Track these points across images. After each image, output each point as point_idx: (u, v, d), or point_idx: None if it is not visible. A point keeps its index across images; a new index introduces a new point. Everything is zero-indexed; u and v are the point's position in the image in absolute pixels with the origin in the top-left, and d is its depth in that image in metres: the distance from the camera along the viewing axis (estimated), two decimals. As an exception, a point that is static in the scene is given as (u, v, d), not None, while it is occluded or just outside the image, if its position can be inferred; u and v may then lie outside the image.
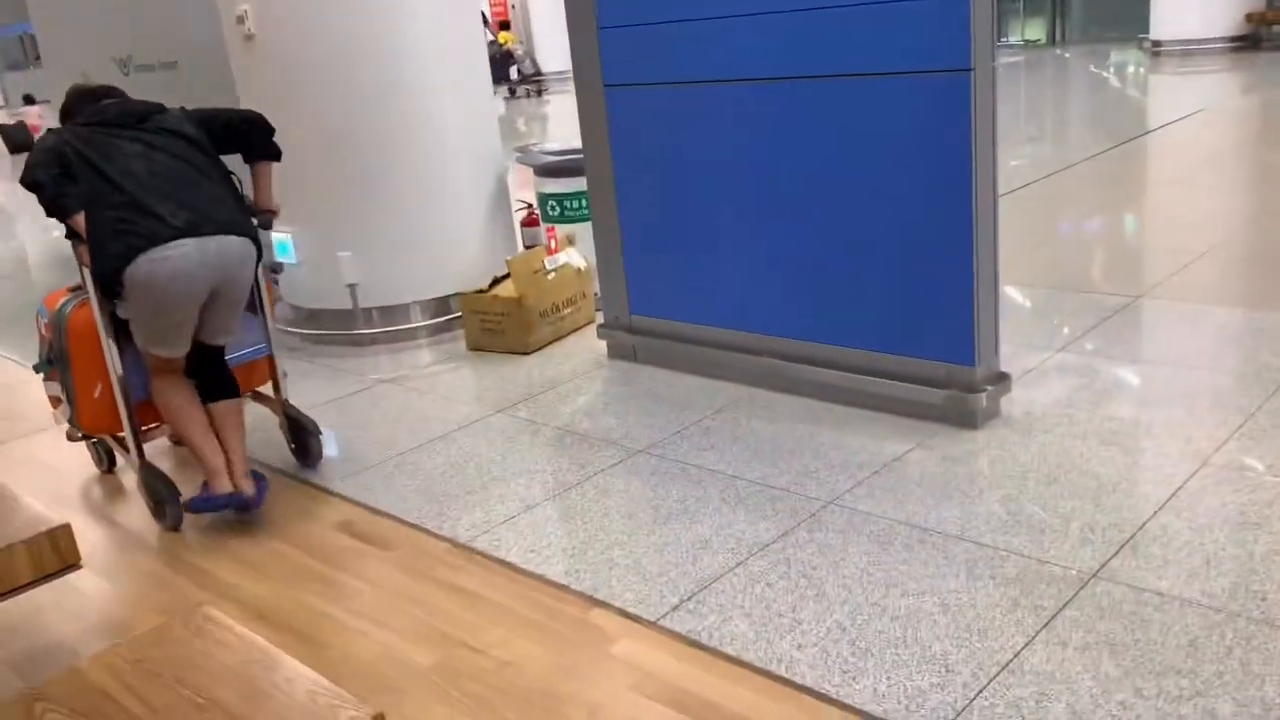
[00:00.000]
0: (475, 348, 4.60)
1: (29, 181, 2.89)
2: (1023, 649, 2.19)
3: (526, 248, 5.29)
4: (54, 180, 2.91)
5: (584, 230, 4.69)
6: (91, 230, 2.93)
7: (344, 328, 4.83)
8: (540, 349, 4.50)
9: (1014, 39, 19.72)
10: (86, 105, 3.15)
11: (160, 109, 3.20)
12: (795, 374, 3.63)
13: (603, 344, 4.34)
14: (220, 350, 3.30)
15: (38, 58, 33.92)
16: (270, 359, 3.58)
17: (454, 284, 4.79)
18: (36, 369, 3.54)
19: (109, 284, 2.97)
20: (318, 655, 2.47)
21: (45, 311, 3.40)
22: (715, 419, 3.58)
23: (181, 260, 2.93)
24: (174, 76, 6.22)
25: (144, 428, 3.35)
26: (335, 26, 4.45)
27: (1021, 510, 2.75)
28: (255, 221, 3.25)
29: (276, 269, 4.59)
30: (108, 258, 2.91)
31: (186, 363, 3.22)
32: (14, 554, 2.16)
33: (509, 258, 4.60)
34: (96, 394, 3.30)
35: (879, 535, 2.71)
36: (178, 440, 3.72)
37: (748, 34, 3.41)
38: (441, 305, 4.88)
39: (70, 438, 3.69)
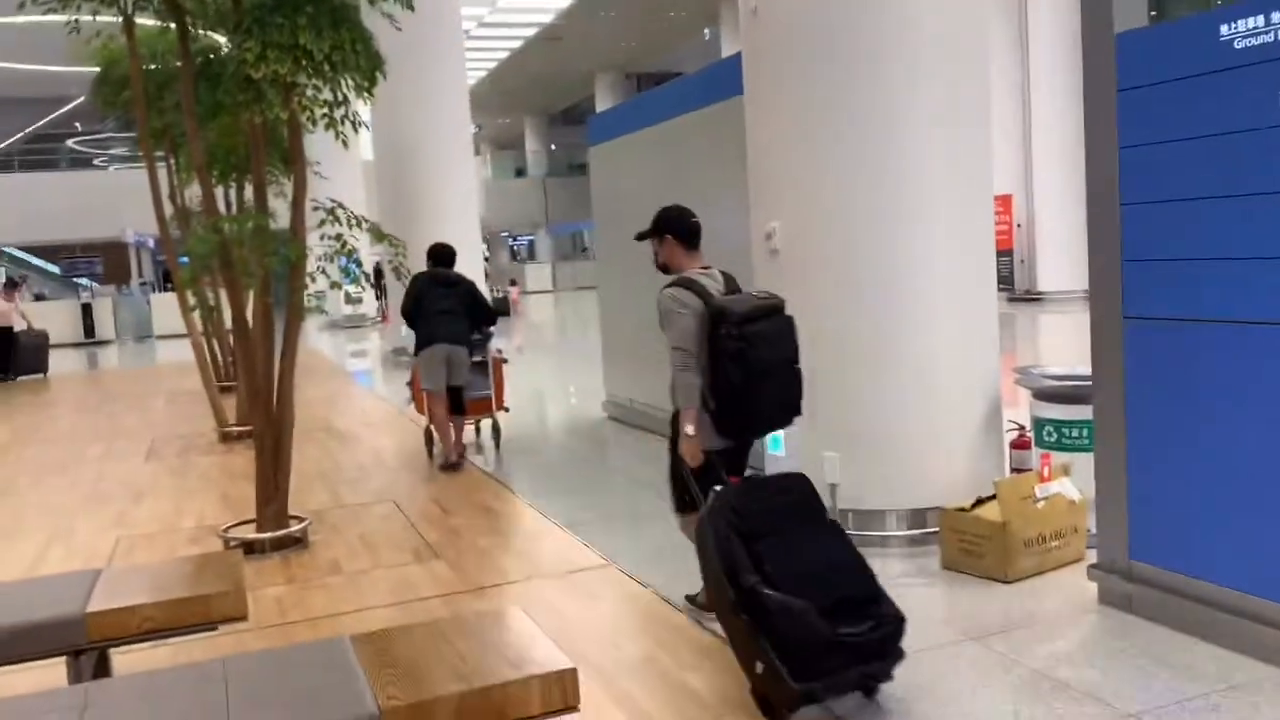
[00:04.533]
0: (950, 566, 4.48)
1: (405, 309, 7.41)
2: None
3: (1014, 471, 5.12)
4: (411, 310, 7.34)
5: (1082, 461, 4.45)
6: (417, 332, 7.29)
7: (820, 525, 4.94)
8: (1021, 579, 4.26)
9: None
10: (435, 268, 7.46)
11: (460, 279, 7.40)
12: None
13: (1093, 586, 4.01)
14: (459, 389, 7.34)
15: (584, 250, 39.63)
16: (489, 398, 7.84)
17: (934, 498, 4.74)
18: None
19: (417, 354, 7.37)
20: None
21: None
22: (1228, 696, 3.14)
23: (436, 350, 7.21)
24: (700, 278, 6.97)
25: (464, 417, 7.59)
26: (854, 239, 4.75)
27: None
28: (478, 335, 7.60)
29: (501, 355, 8.17)
30: (419, 345, 7.30)
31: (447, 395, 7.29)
32: (529, 686, 2.44)
33: (997, 479, 4.47)
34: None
35: None
36: (434, 426, 7.52)
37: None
38: (918, 517, 4.83)
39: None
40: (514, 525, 5.66)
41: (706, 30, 29.61)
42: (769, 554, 3.18)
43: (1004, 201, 19.75)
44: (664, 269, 3.96)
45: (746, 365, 3.46)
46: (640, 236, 4.05)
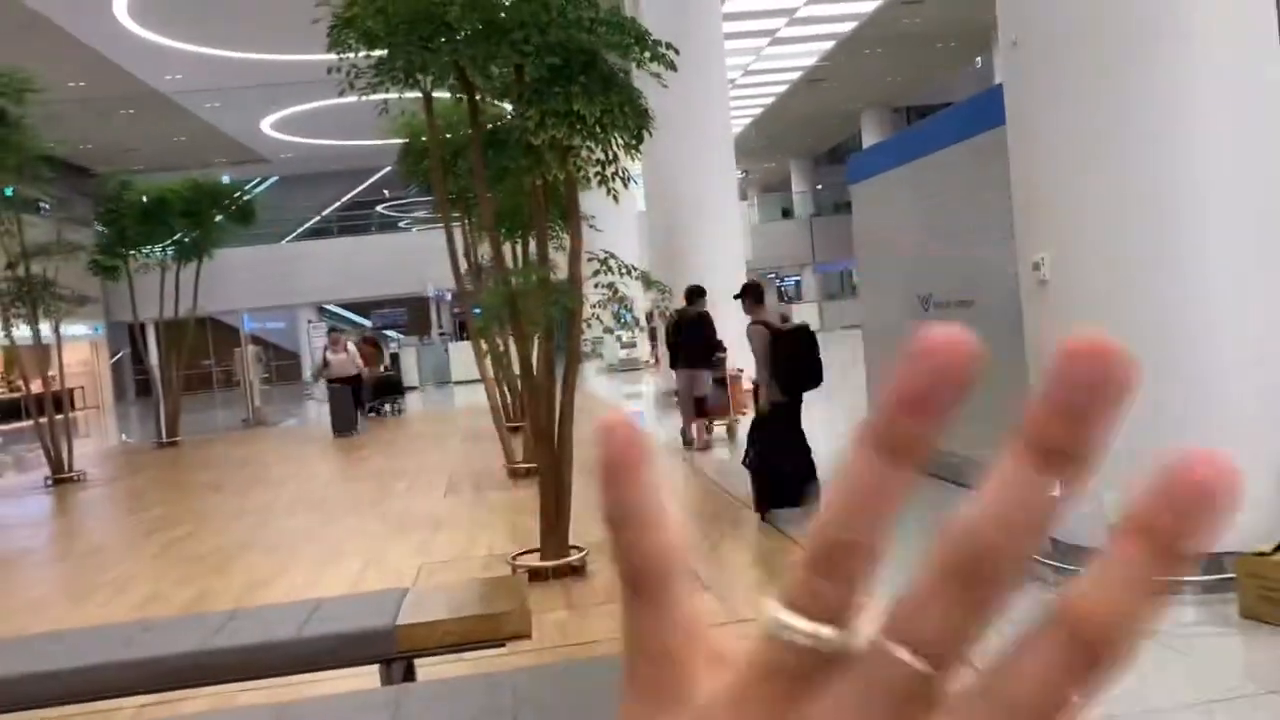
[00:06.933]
0: (1250, 615, 4.14)
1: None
2: None
3: (1329, 513, 4.66)
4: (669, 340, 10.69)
5: None
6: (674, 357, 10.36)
7: (1101, 568, 4.71)
8: (1334, 632, 3.89)
9: None
10: (687, 306, 9.97)
11: (699, 316, 9.82)
12: None
13: None
14: (702, 398, 9.92)
15: (851, 289, 39.29)
16: (726, 406, 10.18)
17: (1232, 541, 4.39)
18: None
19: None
20: None
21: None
22: None
23: (680, 372, 10.10)
24: (967, 313, 6.84)
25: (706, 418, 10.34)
26: (1129, 268, 4.55)
27: None
28: (712, 358, 9.95)
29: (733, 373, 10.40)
30: (674, 367, 10.57)
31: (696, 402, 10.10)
32: None
33: (1303, 521, 4.10)
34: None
35: None
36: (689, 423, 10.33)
37: None
38: (1213, 563, 4.49)
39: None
40: (781, 562, 5.75)
41: (979, 58, 28.76)
42: (761, 436, 6.82)
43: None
44: (750, 311, 7.00)
45: (781, 352, 6.61)
46: (737, 296, 7.16)
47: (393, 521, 8.03)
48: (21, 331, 12.81)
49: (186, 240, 16.36)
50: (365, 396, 17.71)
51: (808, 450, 6.69)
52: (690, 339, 10.04)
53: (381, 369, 18.46)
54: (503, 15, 5.36)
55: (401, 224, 36.13)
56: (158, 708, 4.15)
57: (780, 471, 6.55)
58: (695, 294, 9.82)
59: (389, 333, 33.15)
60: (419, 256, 27.47)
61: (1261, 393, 4.52)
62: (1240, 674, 3.67)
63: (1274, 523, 4.36)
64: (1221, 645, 3.99)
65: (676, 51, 5.42)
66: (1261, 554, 4.14)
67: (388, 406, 18.08)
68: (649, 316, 21.02)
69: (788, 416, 6.72)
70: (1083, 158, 4.65)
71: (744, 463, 6.95)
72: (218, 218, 16.59)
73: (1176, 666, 3.77)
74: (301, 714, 2.77)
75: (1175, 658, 3.85)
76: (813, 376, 6.69)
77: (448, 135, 10.48)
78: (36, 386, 13.00)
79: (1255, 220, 4.53)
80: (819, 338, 6.76)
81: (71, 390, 23.16)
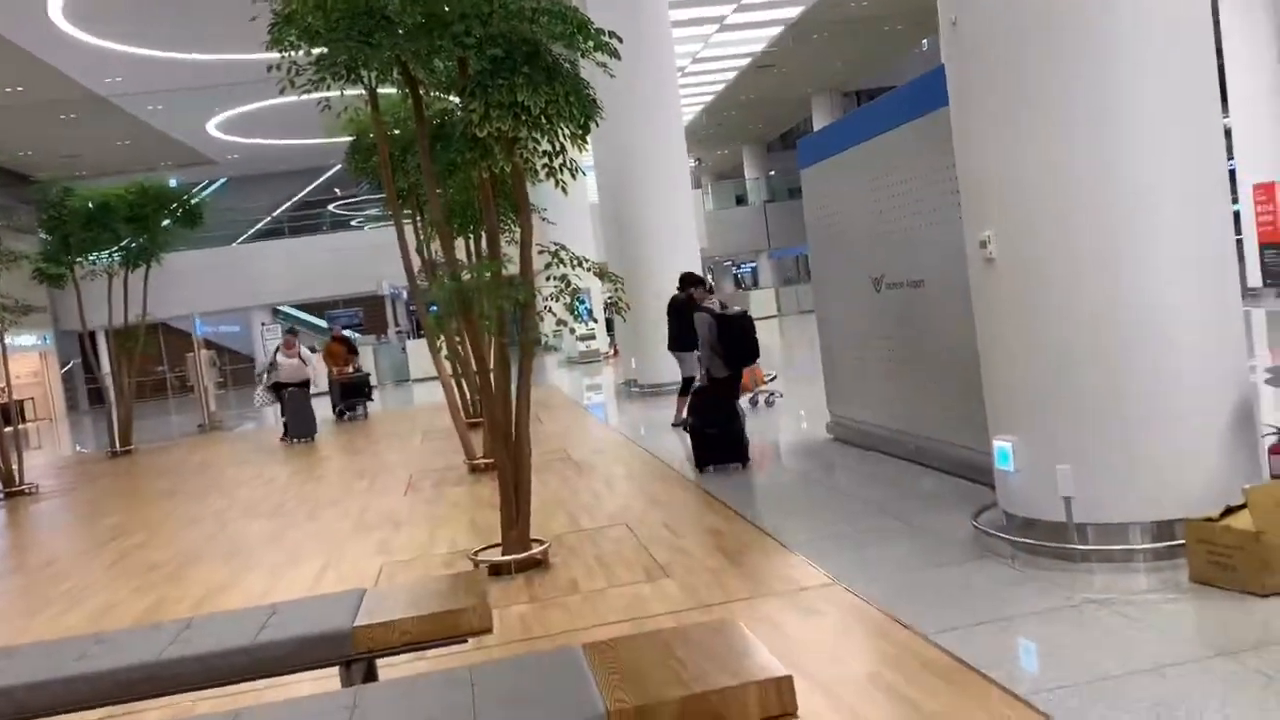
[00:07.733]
0: (1199, 580, 4.22)
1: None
2: None
3: (1274, 477, 4.76)
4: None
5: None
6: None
7: (1056, 540, 4.78)
8: (1280, 593, 3.97)
9: None
10: (675, 294, 10.50)
11: (681, 305, 9.97)
12: None
13: (1365, 600, 3.70)
14: (690, 379, 10.01)
15: (807, 274, 39.38)
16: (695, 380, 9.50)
17: (1180, 508, 4.48)
18: None
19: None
20: None
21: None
22: None
23: (675, 355, 10.80)
24: (918, 294, 6.90)
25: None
26: (1075, 246, 4.60)
27: None
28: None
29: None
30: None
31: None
32: (746, 692, 2.56)
33: (1246, 486, 4.19)
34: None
35: None
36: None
37: None
38: (1164, 529, 4.58)
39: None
40: (740, 546, 5.77)
41: (925, 41, 28.97)
42: (698, 403, 8.19)
43: (1268, 190, 18.14)
44: (690, 300, 9.20)
45: (725, 335, 7.93)
46: (681, 288, 9.90)
47: (353, 522, 7.96)
48: (-35, 344, 12.50)
49: (134, 245, 16.05)
50: (334, 399, 17.43)
51: (738, 417, 8.08)
52: (679, 323, 10.61)
53: (351, 370, 17.95)
54: (445, 8, 5.30)
55: (354, 222, 35.75)
56: (115, 720, 4.08)
57: (714, 435, 8.01)
58: (687, 281, 10.48)
59: (345, 332, 32.79)
60: (373, 254, 27.17)
61: (1209, 366, 4.60)
62: (1191, 638, 3.73)
63: (1222, 489, 4.45)
64: (1172, 610, 4.06)
65: (620, 40, 5.40)
66: (1210, 520, 4.21)
67: (359, 409, 17.48)
68: (605, 308, 20.98)
69: (726, 389, 8.06)
70: (1024, 136, 4.69)
71: (683, 427, 8.53)
72: (165, 222, 16.30)
73: (1128, 632, 3.84)
74: (257, 719, 2.74)
75: (1126, 624, 3.92)
76: (751, 353, 8.16)
77: (395, 131, 10.38)
78: (-17, 399, 12.69)
79: (1196, 196, 4.59)
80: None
81: (21, 402, 22.69)
